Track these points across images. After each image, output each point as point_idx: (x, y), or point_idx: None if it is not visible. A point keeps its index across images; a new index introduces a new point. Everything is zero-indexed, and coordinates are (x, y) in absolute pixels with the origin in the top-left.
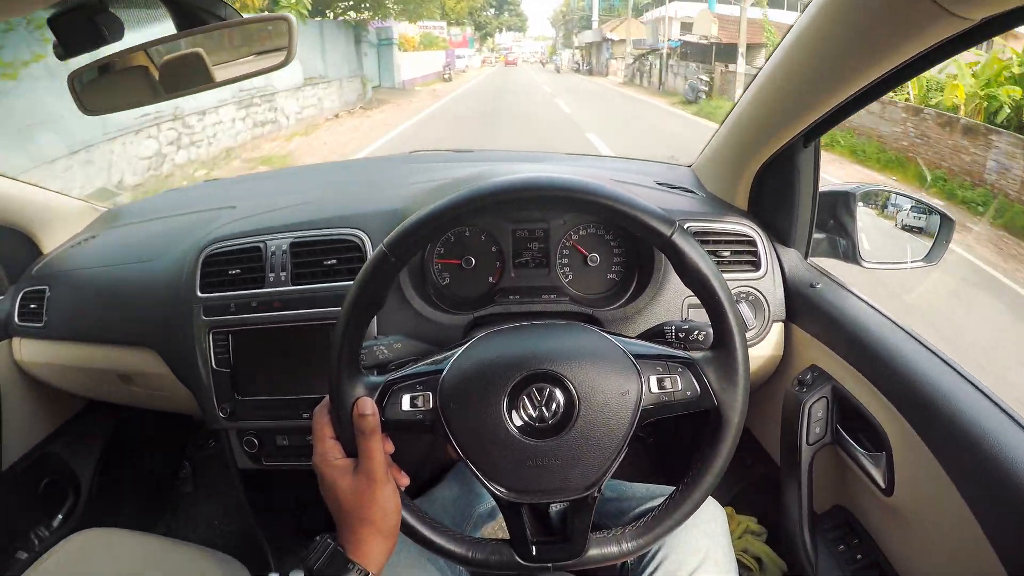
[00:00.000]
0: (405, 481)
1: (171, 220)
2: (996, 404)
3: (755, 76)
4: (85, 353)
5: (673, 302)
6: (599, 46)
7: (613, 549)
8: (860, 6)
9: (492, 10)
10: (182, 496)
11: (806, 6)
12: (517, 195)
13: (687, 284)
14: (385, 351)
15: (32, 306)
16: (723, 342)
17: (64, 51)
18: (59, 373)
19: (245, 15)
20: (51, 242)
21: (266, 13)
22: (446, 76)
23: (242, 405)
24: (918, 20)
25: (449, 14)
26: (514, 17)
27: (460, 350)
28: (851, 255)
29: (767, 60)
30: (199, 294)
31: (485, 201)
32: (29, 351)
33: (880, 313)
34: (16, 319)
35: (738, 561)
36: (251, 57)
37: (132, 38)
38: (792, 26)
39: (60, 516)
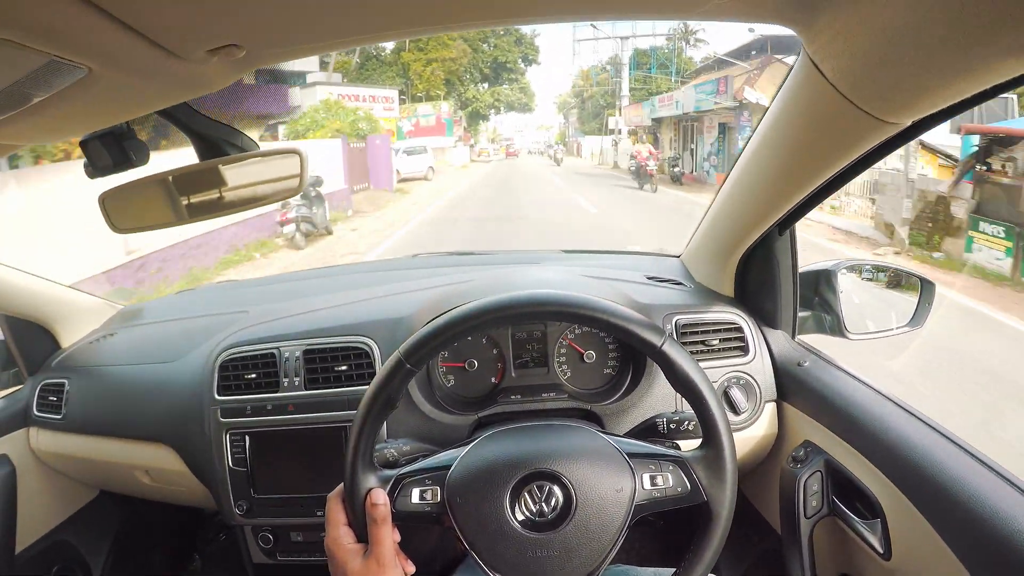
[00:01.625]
0: (411, 569)
1: (187, 322)
2: (982, 462)
3: (727, 175)
4: (102, 446)
5: (666, 393)
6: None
7: None
8: (804, 120)
9: (484, 84)
10: None
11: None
12: (522, 311)
13: (676, 389)
14: (395, 452)
15: (51, 398)
16: (711, 442)
17: (94, 171)
18: (75, 464)
19: (261, 147)
20: (69, 336)
21: (280, 146)
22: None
23: (258, 502)
24: (855, 130)
25: (416, 82)
26: (518, 91)
27: (467, 448)
28: (837, 329)
29: (737, 159)
30: (216, 396)
31: (493, 315)
32: (46, 441)
33: (867, 385)
34: (35, 410)
35: None
36: (266, 184)
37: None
38: (752, 132)
39: None
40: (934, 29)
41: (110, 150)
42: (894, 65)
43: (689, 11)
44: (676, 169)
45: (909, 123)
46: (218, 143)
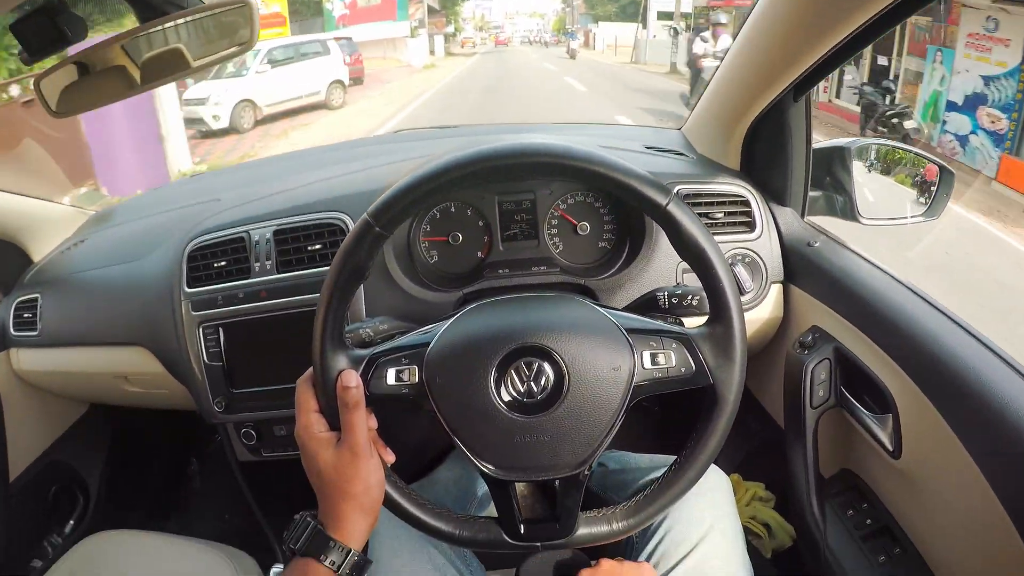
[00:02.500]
0: (390, 457)
1: (157, 218)
2: (1001, 358)
3: (738, 31)
4: (81, 357)
5: (666, 268)
6: None
7: (603, 528)
8: None
9: None
10: (191, 493)
11: None
12: (505, 161)
13: (682, 256)
14: (371, 332)
15: (26, 315)
16: (719, 318)
17: (29, 55)
18: (58, 379)
19: (206, 3)
20: (41, 250)
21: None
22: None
23: (237, 398)
24: None
25: None
26: None
27: (447, 323)
28: (849, 212)
29: (748, 15)
30: (186, 289)
31: (471, 167)
32: (27, 360)
33: (881, 270)
34: (12, 330)
35: (746, 528)
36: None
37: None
38: None
39: (71, 522)
40: None
41: (43, 29)
42: None
43: None
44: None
45: None
46: (156, 3)
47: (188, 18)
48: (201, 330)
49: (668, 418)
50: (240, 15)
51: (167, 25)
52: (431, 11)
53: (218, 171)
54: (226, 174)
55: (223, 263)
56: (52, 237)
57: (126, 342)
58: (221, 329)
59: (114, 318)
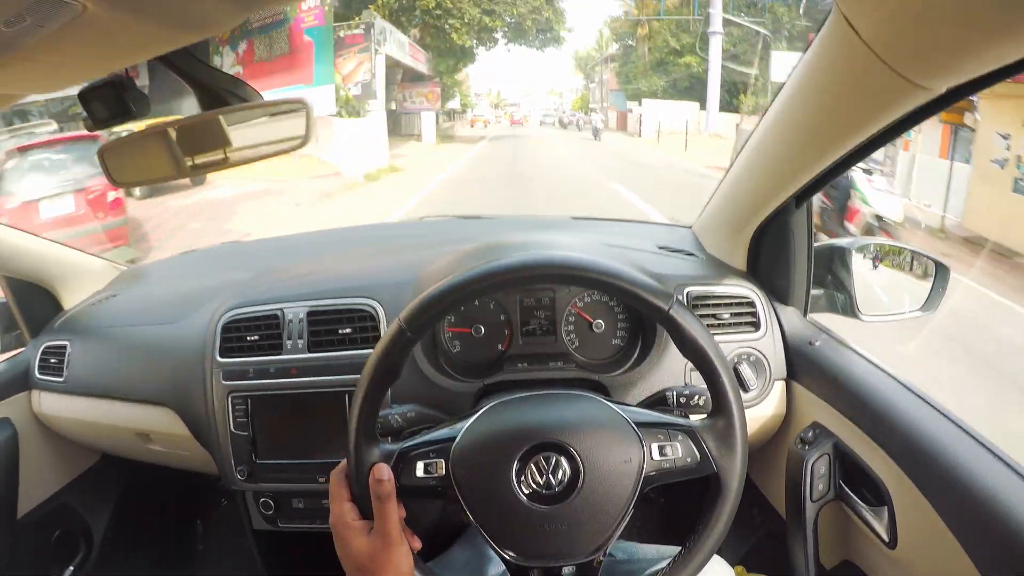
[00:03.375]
0: (417, 544)
1: (190, 283)
2: (991, 451)
3: (745, 144)
4: (105, 409)
5: (676, 366)
6: None
7: None
8: (834, 81)
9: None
10: (194, 553)
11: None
12: (526, 273)
13: (685, 355)
14: (399, 419)
15: (53, 360)
16: (721, 411)
17: (93, 123)
18: (78, 427)
19: (265, 99)
20: (72, 298)
21: (285, 97)
22: None
23: (260, 468)
24: (888, 94)
25: None
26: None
27: (471, 419)
28: (849, 309)
29: (756, 127)
30: (219, 359)
31: (496, 279)
32: (48, 404)
33: (879, 368)
34: (37, 372)
35: None
36: (271, 136)
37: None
38: (776, 96)
39: (71, 568)
40: None
41: (109, 101)
42: (933, 23)
43: None
44: None
45: (944, 90)
46: (220, 93)
47: (247, 112)
48: (230, 399)
49: (674, 509)
50: (297, 114)
51: (226, 115)
52: (415, 77)
53: (251, 242)
54: (259, 246)
55: (256, 337)
56: (84, 287)
57: (153, 401)
58: (249, 400)
59: (144, 376)
